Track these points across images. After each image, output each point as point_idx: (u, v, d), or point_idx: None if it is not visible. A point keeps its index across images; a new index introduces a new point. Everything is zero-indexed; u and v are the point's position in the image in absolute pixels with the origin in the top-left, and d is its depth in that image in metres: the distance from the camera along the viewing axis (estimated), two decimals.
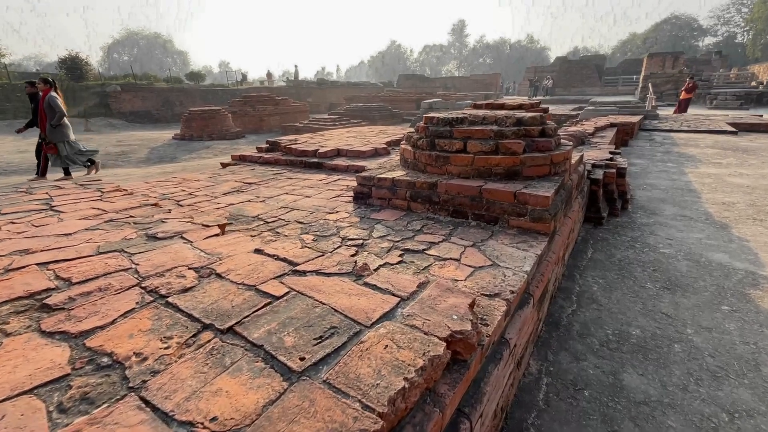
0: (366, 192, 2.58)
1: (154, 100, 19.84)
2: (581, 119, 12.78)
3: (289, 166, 4.40)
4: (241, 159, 5.13)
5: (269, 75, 33.85)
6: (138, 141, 12.63)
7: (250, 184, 3.54)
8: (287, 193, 3.07)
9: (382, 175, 2.50)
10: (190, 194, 3.16)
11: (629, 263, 2.92)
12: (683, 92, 15.08)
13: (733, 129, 9.25)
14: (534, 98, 30.81)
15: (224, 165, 5.16)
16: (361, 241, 1.93)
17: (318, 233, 2.07)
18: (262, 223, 2.30)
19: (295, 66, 31.32)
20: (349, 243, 1.91)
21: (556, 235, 2.11)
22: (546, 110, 4.43)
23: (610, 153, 4.76)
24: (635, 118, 9.63)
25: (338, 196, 2.90)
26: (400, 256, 1.74)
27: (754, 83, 23.87)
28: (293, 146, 4.66)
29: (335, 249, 1.81)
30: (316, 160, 4.17)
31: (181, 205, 2.75)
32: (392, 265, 1.64)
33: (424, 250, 1.81)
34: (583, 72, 33.67)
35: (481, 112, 2.50)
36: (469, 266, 1.62)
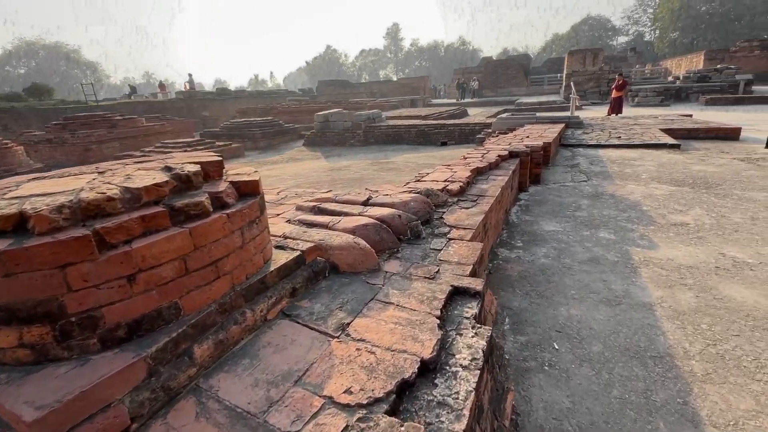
0: None
1: None
2: (494, 130, 10.17)
3: None
4: None
5: (162, 86, 28.78)
6: None
7: None
8: None
9: None
10: None
11: None
12: (614, 90, 13.16)
13: (675, 141, 6.91)
14: (461, 100, 28.77)
15: None
16: None
17: None
18: None
19: (189, 75, 26.74)
20: None
21: None
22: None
23: (461, 299, 1.68)
24: (552, 132, 7.00)
25: None
26: None
27: (671, 78, 23.42)
28: None
29: None
30: None
31: None
32: None
33: None
34: (509, 72, 32.38)
35: None
36: None
